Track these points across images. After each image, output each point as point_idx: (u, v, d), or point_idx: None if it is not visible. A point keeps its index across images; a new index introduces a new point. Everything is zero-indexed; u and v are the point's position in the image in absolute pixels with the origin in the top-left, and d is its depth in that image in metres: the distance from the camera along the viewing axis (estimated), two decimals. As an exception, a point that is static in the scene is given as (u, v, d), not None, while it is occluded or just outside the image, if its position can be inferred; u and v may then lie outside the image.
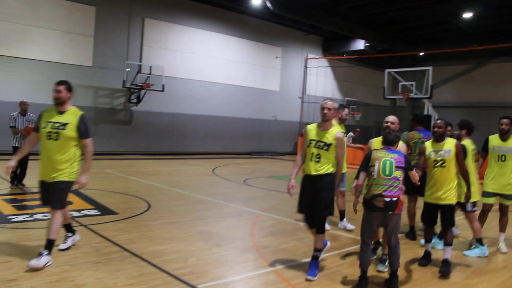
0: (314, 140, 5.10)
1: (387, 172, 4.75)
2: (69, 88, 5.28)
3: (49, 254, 4.88)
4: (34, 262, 4.66)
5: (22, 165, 9.82)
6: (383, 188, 4.72)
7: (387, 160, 4.81)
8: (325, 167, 5.01)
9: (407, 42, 28.52)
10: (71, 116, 5.17)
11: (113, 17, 19.84)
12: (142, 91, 20.38)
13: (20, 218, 7.08)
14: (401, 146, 5.73)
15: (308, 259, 5.27)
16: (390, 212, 4.70)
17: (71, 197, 8.81)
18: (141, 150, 20.68)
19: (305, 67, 28.12)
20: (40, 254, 4.79)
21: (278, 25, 25.67)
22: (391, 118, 6.16)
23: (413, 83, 19.35)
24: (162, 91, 20.33)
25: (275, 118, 25.83)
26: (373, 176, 4.82)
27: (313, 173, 5.03)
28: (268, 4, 20.77)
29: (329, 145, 5.02)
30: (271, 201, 10.19)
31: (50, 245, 4.93)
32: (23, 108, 10.15)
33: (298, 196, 5.22)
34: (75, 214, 7.46)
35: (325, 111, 5.14)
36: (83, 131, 5.14)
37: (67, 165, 5.04)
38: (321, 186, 4.99)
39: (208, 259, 5.46)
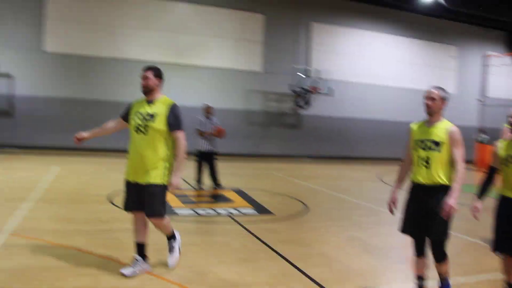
0: (419, 140, 4.04)
1: None
2: (158, 75, 4.55)
3: (173, 250, 4.75)
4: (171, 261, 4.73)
5: (210, 167, 9.66)
6: None
7: None
8: (439, 175, 3.88)
9: None
10: (161, 105, 4.46)
11: (281, 23, 20.50)
12: (311, 95, 20.62)
13: (185, 212, 7.64)
14: None
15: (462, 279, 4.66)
16: None
17: (232, 196, 9.27)
18: (309, 153, 20.93)
19: (485, 65, 25.51)
20: (171, 250, 4.76)
21: (452, 22, 23.72)
22: None
23: None
24: (330, 95, 20.31)
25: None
26: None
27: (423, 181, 3.94)
28: (441, 0, 19.33)
29: (439, 143, 3.91)
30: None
31: (171, 241, 4.76)
32: (209, 111, 9.90)
33: (403, 211, 4.15)
34: (234, 212, 7.79)
35: (428, 101, 3.99)
36: (172, 122, 4.37)
37: (160, 164, 4.37)
38: (437, 201, 3.86)
39: (355, 266, 5.18)
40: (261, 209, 8.20)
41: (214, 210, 7.87)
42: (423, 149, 3.96)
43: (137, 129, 4.41)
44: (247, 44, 19.91)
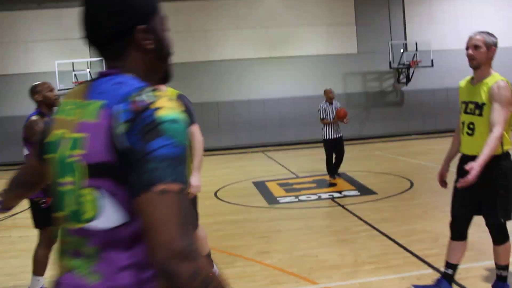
0: (463, 101, 3.37)
1: None
2: None
3: None
4: None
5: (339, 154, 9.26)
6: None
7: None
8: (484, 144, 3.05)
9: None
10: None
11: (372, 0, 19.81)
12: (411, 70, 19.71)
13: (287, 199, 7.74)
14: None
15: None
16: None
17: (336, 179, 9.19)
18: (414, 130, 20.05)
19: None
20: None
21: None
22: None
23: None
24: (432, 66, 19.25)
25: None
26: None
27: (468, 152, 3.29)
28: None
29: (481, 106, 3.19)
30: None
31: None
32: (330, 96, 9.30)
33: (452, 190, 3.53)
34: (336, 195, 7.74)
35: (470, 51, 3.24)
36: None
37: None
38: (490, 175, 3.13)
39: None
40: (364, 190, 8.05)
41: (317, 195, 7.89)
42: (466, 113, 3.31)
43: None
44: (340, 27, 19.53)
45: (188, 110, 3.62)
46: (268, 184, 9.32)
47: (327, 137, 9.12)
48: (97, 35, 1.22)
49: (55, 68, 17.04)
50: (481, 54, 3.21)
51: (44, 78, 18.29)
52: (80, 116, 1.18)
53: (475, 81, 3.32)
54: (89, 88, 1.23)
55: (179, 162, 1.05)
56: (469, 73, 3.45)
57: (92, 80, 1.26)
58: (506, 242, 3.35)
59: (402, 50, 19.29)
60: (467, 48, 3.27)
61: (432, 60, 19.10)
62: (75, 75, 17.02)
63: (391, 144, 16.73)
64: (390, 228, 5.45)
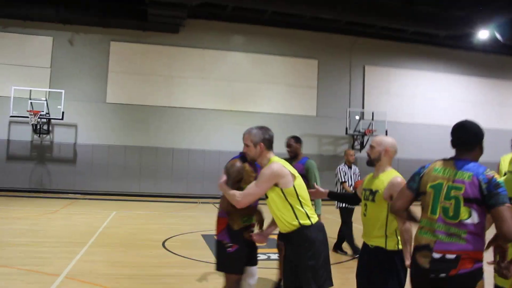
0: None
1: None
2: None
3: None
4: None
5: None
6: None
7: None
8: None
9: None
10: None
11: (335, 67, 20.64)
12: (365, 137, 20.37)
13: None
14: None
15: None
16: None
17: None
18: (364, 197, 20.46)
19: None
20: None
21: (510, 57, 22.96)
22: None
23: None
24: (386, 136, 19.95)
25: None
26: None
27: None
28: (498, 36, 18.81)
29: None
30: None
31: None
32: (350, 159, 8.42)
33: None
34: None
35: None
36: None
37: None
38: None
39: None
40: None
41: (266, 255, 7.77)
42: None
43: None
44: (301, 89, 20.14)
45: None
46: (218, 238, 9.11)
47: (342, 205, 7.97)
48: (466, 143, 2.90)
49: (11, 93, 16.55)
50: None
51: (-2, 102, 17.27)
52: (456, 176, 2.74)
53: None
54: (456, 164, 2.81)
55: None
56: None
57: (453, 159, 2.86)
58: None
59: (358, 118, 19.98)
60: None
61: (386, 131, 19.82)
62: (31, 103, 16.55)
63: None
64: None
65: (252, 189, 3.43)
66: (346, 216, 8.04)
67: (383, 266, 3.29)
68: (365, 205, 3.54)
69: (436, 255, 2.64)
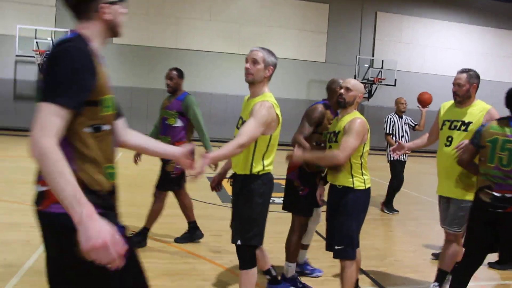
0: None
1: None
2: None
3: None
4: None
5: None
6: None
7: None
8: None
9: None
10: None
11: (346, 13, 20.15)
12: (374, 86, 20.18)
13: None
14: None
15: None
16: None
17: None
18: (371, 145, 20.48)
19: None
20: None
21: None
22: None
23: None
24: (394, 85, 19.77)
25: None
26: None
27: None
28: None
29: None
30: None
31: None
32: (401, 108, 7.83)
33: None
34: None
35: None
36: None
37: None
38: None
39: (408, 262, 5.07)
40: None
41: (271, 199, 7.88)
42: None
43: None
44: (311, 34, 19.78)
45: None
46: (223, 181, 9.24)
47: (392, 158, 7.50)
48: None
49: (16, 32, 16.36)
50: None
51: (2, 41, 17.49)
52: (510, 132, 3.25)
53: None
54: (509, 122, 3.31)
55: None
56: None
57: (507, 119, 3.18)
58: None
59: (368, 66, 19.71)
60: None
61: (395, 80, 19.61)
62: (37, 43, 16.39)
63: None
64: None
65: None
66: (398, 170, 7.63)
67: (348, 204, 3.48)
68: (330, 147, 3.65)
69: (497, 194, 3.23)
